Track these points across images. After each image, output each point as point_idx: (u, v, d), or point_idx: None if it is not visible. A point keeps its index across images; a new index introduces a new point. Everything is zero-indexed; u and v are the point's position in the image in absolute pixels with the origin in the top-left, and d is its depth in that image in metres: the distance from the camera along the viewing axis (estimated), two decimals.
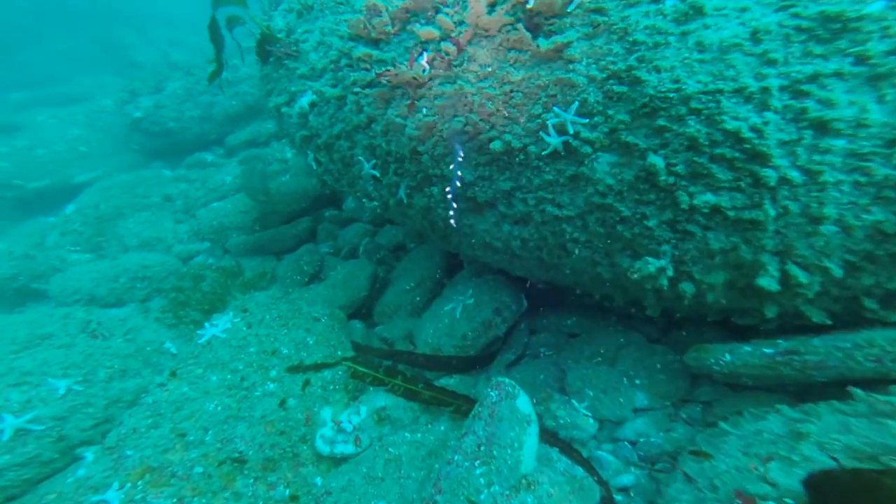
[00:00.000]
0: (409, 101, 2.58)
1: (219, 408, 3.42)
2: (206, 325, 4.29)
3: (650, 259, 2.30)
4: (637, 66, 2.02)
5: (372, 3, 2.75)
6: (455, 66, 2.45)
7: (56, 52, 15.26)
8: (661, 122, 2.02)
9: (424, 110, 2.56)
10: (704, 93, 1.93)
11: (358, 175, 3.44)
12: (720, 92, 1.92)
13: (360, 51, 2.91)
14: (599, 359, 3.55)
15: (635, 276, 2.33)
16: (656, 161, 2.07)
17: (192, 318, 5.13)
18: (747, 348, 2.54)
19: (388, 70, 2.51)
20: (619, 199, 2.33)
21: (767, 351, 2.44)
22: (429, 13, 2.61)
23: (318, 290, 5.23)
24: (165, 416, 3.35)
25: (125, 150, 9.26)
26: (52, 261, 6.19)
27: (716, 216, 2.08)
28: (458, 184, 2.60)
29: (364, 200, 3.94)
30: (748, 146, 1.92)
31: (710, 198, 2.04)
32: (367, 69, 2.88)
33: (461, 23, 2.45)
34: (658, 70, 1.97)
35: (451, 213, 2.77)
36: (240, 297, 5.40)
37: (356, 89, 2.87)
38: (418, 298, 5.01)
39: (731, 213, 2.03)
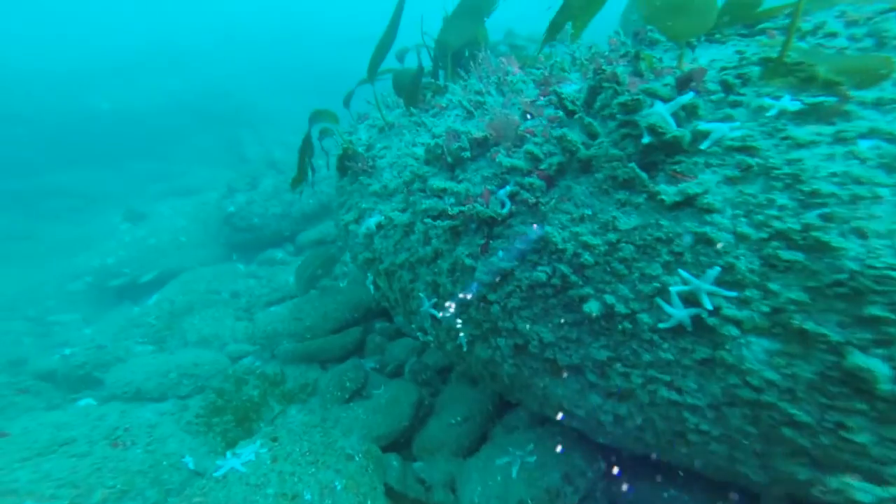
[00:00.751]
0: (483, 241, 2.07)
1: None
2: (228, 454, 3.68)
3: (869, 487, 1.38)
4: (822, 227, 1.35)
5: (452, 129, 2.44)
6: (542, 205, 1.95)
7: (192, 147, 17.85)
8: (873, 310, 1.27)
9: (501, 253, 2.03)
10: None
11: (416, 310, 2.91)
12: None
13: (434, 178, 2.55)
14: None
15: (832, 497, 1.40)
16: (871, 365, 1.28)
17: (223, 426, 4.58)
18: None
19: (463, 202, 2.06)
20: (789, 399, 1.51)
21: None
22: (513, 141, 2.21)
23: (357, 412, 4.53)
24: None
25: (215, 242, 9.89)
26: (119, 351, 6.20)
27: None
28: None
29: (418, 334, 3.38)
30: None
31: None
32: (439, 197, 2.49)
33: (552, 154, 2.01)
34: (863, 235, 1.28)
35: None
36: (277, 407, 4.83)
37: (426, 219, 2.46)
38: (465, 438, 4.17)
39: None
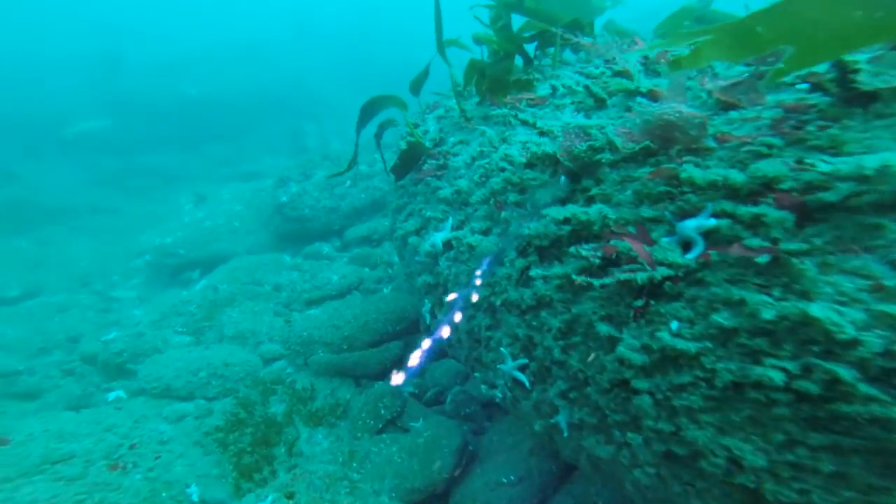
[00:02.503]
0: (640, 303, 1.05)
1: None
2: None
3: None
4: None
5: (575, 124, 1.42)
6: (790, 257, 0.88)
7: (262, 134, 17.99)
8: None
9: (675, 325, 0.99)
10: None
11: (489, 363, 1.95)
12: None
13: (542, 190, 1.57)
14: None
15: None
16: None
17: (240, 445, 3.88)
18: None
19: (600, 234, 1.05)
20: None
21: None
22: (692, 141, 1.16)
23: (391, 451, 3.65)
24: None
25: (265, 230, 9.49)
26: (157, 341, 5.77)
27: None
28: None
29: (482, 386, 2.40)
30: None
31: None
32: (561, 226, 1.48)
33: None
34: None
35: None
36: (303, 431, 4.06)
37: (531, 255, 1.47)
38: None
39: None
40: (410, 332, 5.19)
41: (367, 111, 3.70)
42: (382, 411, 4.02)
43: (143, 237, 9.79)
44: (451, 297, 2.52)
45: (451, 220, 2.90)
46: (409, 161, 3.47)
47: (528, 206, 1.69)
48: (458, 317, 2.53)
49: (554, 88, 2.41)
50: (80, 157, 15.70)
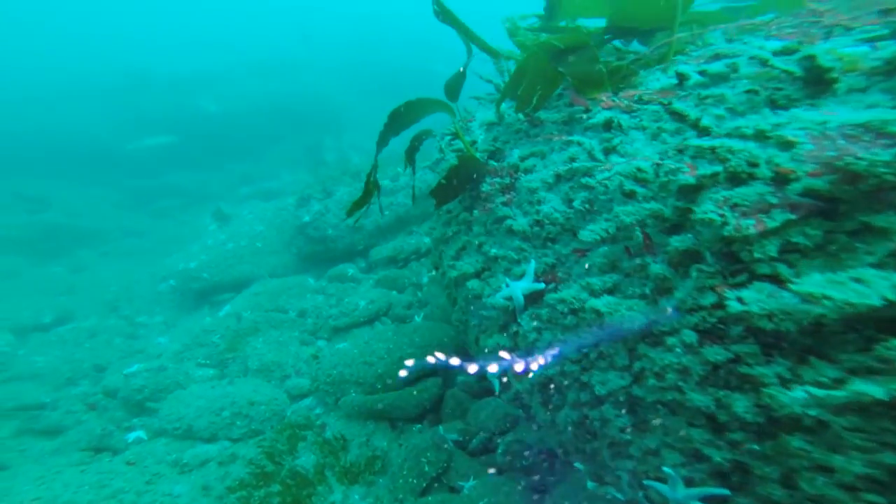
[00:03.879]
0: None
1: None
2: None
3: None
4: None
5: (845, 121, 0.84)
6: None
7: (281, 150, 17.66)
8: None
9: None
10: None
11: (614, 467, 1.36)
12: None
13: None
14: None
15: None
16: None
17: None
18: None
19: None
20: None
21: None
22: None
23: None
24: None
25: (287, 251, 9.06)
26: (179, 375, 5.31)
27: None
28: None
29: (588, 482, 1.80)
30: None
31: None
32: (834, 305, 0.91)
33: None
34: None
35: None
36: (337, 491, 3.48)
37: (743, 345, 0.91)
38: None
39: None
40: (448, 367, 4.60)
41: (399, 119, 3.09)
42: (427, 468, 3.43)
43: (169, 261, 9.46)
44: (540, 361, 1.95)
45: (532, 264, 2.31)
46: (460, 180, 2.86)
47: (708, 256, 1.12)
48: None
49: (683, 77, 1.81)
50: (109, 178, 15.61)
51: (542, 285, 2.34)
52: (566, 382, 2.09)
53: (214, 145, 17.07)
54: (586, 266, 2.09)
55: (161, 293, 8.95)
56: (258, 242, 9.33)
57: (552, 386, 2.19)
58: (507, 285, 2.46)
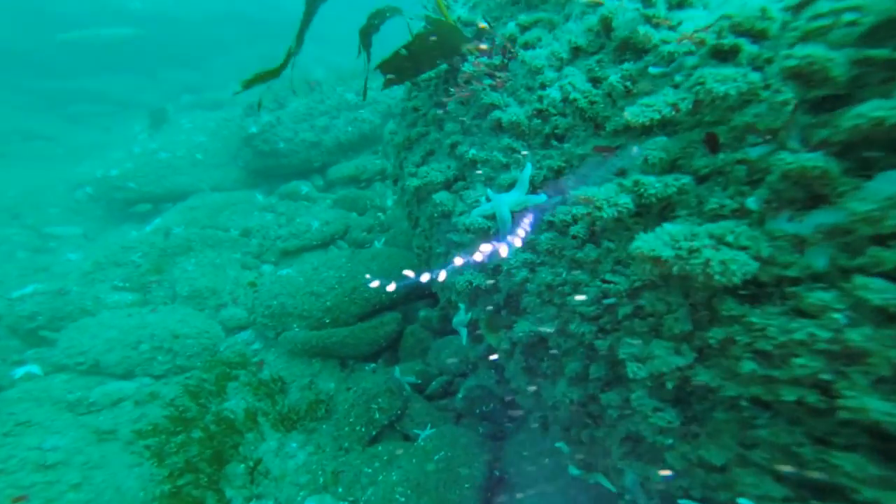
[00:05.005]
0: None
1: None
2: None
3: None
4: None
5: None
6: None
7: (234, 60, 15.09)
8: None
9: None
10: None
11: None
12: None
13: None
14: None
15: None
16: None
17: (182, 459, 2.67)
18: None
19: None
20: None
21: None
22: None
23: (389, 483, 2.52)
24: None
25: (234, 164, 7.67)
26: (86, 300, 4.30)
27: None
28: None
29: None
30: None
31: None
32: None
33: None
34: None
35: None
36: (271, 438, 2.88)
37: None
38: None
39: None
40: (410, 299, 3.92)
41: None
42: (377, 415, 2.85)
43: (84, 167, 7.82)
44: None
45: (528, 169, 1.54)
46: (428, 54, 1.91)
47: None
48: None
49: None
50: (8, 80, 12.64)
51: (543, 197, 1.58)
52: (569, 345, 1.43)
53: (148, 49, 14.02)
54: (620, 166, 1.31)
55: (80, 202, 7.46)
56: (198, 154, 7.81)
57: (548, 349, 1.52)
58: (489, 199, 1.67)
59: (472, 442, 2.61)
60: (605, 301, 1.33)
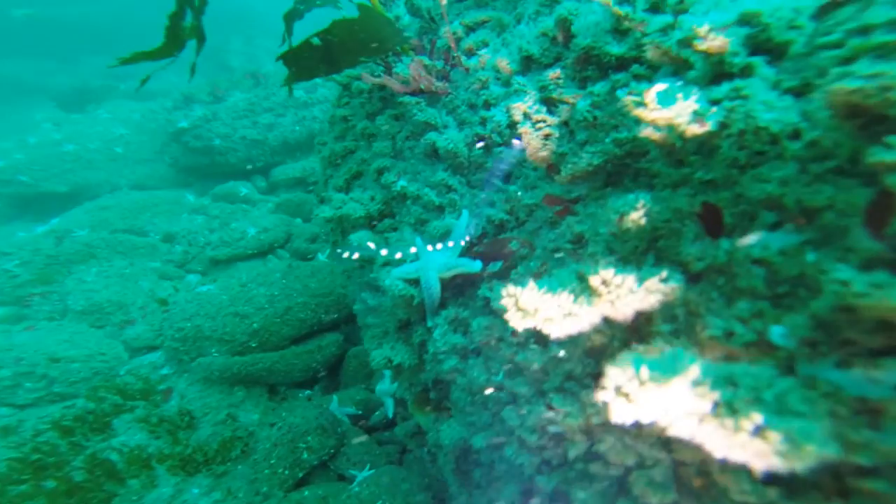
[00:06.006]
0: None
1: None
2: None
3: None
4: None
5: None
6: None
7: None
8: None
9: None
10: None
11: None
12: None
13: None
14: None
15: None
16: None
17: None
18: None
19: None
20: None
21: None
22: None
23: None
24: None
25: (160, 160, 6.74)
26: None
27: None
28: None
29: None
30: None
31: None
32: None
33: None
34: None
35: None
36: (166, 485, 2.30)
37: None
38: None
39: None
40: (351, 318, 3.49)
41: None
42: (305, 455, 2.39)
43: None
44: None
45: (465, 217, 1.32)
46: (349, 46, 1.55)
47: None
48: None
49: None
50: None
51: (478, 265, 1.24)
52: (502, 469, 1.13)
53: (58, 32, 12.33)
54: (579, 231, 1.01)
55: None
56: (118, 147, 6.79)
57: (480, 462, 1.23)
58: (416, 254, 1.34)
59: (414, 487, 2.24)
60: (552, 429, 0.98)
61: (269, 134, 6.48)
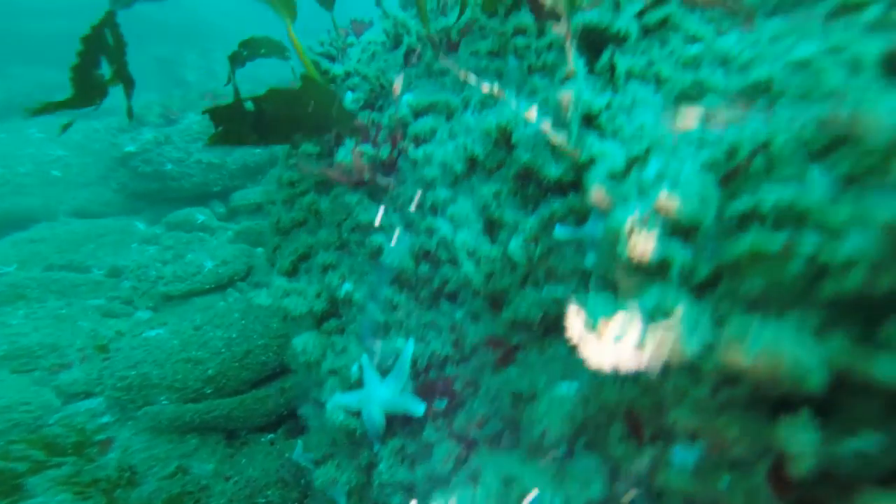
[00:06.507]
0: None
1: None
2: None
3: None
4: None
5: None
6: None
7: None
8: None
9: None
10: None
11: None
12: None
13: None
14: None
15: None
16: None
17: None
18: None
19: None
20: None
21: None
22: None
23: None
24: None
25: (105, 185, 6.27)
26: None
27: None
28: None
29: None
30: None
31: None
32: None
33: None
34: None
35: None
36: None
37: None
38: None
39: None
40: None
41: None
42: None
43: None
44: None
45: (410, 347, 1.28)
46: (284, 121, 1.45)
47: None
48: None
49: None
50: None
51: (422, 408, 1.22)
52: None
53: None
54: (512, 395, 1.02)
55: None
56: (55, 170, 6.26)
57: None
58: (360, 379, 1.32)
59: None
60: None
61: (228, 158, 6.24)
